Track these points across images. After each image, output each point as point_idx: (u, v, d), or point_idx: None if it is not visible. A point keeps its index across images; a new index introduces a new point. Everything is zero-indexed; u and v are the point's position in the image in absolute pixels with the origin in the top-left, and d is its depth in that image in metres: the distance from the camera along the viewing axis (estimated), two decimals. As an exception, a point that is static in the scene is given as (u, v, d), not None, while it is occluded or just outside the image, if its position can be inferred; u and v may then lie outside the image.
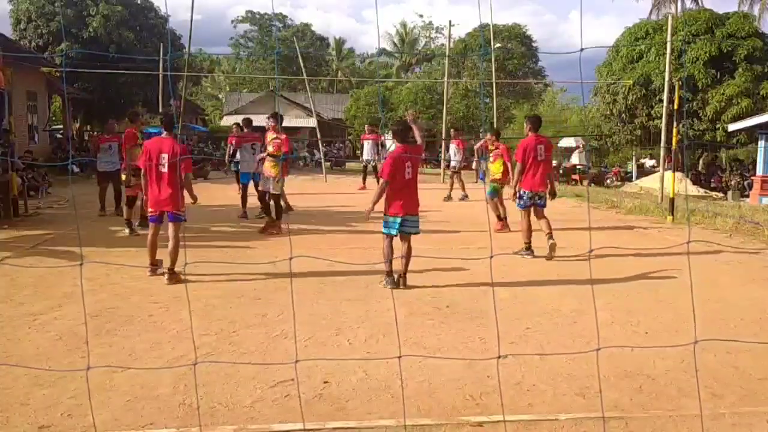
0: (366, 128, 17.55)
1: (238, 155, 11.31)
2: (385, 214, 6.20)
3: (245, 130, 11.35)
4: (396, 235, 6.18)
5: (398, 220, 6.11)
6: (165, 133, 6.58)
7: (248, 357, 4.26)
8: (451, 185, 15.35)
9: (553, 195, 8.53)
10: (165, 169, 6.34)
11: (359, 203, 11.56)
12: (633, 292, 6.21)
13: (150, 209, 6.52)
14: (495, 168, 10.13)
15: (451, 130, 16.27)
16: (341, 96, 48.71)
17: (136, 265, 7.03)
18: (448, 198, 14.75)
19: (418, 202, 6.28)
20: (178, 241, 6.37)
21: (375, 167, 16.46)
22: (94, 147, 11.73)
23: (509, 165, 9.73)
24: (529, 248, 7.84)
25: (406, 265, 6.20)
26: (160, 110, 23.31)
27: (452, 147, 16.03)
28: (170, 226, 6.39)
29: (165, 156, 6.34)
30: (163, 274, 6.39)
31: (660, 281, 6.70)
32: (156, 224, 6.52)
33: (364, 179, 17.08)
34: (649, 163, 30.10)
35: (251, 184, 10.69)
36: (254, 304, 5.58)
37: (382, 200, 6.18)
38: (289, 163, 10.81)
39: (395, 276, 6.18)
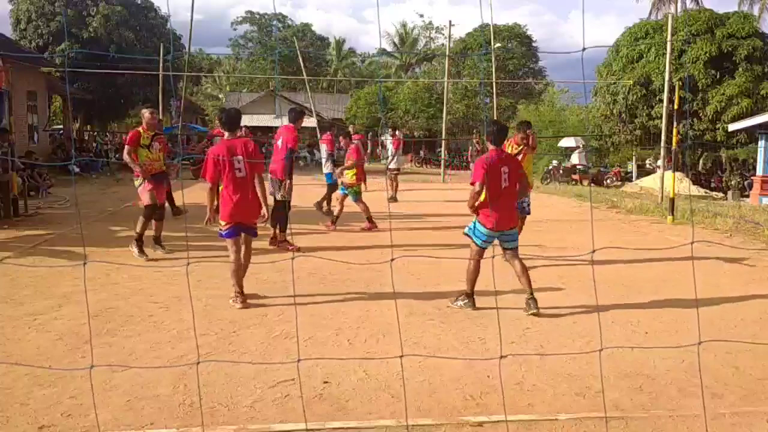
0: (350, 129, 17.54)
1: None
2: (481, 224, 5.47)
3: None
4: (485, 248, 5.49)
5: (494, 235, 5.42)
6: (228, 134, 5.68)
7: (248, 357, 4.26)
8: (395, 186, 14.83)
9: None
10: (242, 173, 5.51)
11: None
12: (633, 292, 6.21)
13: (223, 222, 5.53)
14: (349, 173, 9.62)
15: (389, 129, 15.58)
16: (341, 96, 48.72)
17: (136, 265, 7.04)
18: (393, 199, 14.11)
19: (516, 214, 5.59)
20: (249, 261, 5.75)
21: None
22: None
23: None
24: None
25: (529, 283, 5.42)
26: (160, 110, 23.35)
27: (390, 147, 15.32)
28: (247, 241, 5.67)
29: (239, 159, 5.47)
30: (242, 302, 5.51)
31: (660, 281, 6.69)
32: (236, 239, 5.58)
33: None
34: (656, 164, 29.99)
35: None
36: (254, 304, 5.58)
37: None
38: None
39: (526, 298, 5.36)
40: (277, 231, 8.18)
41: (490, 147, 5.51)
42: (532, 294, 5.40)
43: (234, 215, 5.49)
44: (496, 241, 5.54)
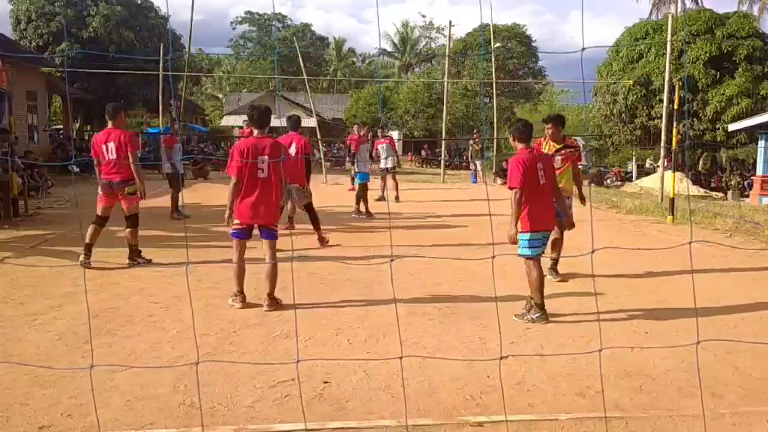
0: (355, 129, 17.52)
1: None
2: (522, 231, 5.15)
3: (361, 132, 12.32)
4: (538, 255, 5.19)
5: (538, 236, 5.19)
6: (257, 132, 5.47)
7: (248, 357, 4.26)
8: (396, 185, 14.52)
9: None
10: (264, 174, 5.31)
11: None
12: (633, 292, 6.22)
13: (236, 221, 5.42)
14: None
15: (378, 129, 14.93)
16: (341, 96, 48.79)
17: (136, 265, 7.04)
18: (396, 199, 14.02)
19: (555, 214, 5.39)
20: (276, 261, 5.47)
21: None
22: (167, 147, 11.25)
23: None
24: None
25: (542, 292, 5.28)
26: (161, 110, 23.36)
27: (385, 146, 14.65)
28: (265, 244, 5.45)
29: (264, 158, 5.29)
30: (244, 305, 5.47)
31: (660, 281, 6.69)
32: (242, 240, 5.50)
33: (353, 180, 17.45)
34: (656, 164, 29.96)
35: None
36: (254, 304, 5.57)
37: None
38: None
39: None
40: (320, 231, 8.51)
41: (520, 146, 5.25)
42: (532, 301, 5.27)
43: (247, 215, 5.36)
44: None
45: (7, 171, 10.10)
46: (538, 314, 5.16)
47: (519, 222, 5.13)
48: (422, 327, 5.03)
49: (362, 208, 11.26)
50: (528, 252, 5.17)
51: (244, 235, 5.48)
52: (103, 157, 6.79)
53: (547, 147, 6.50)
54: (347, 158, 12.76)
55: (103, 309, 5.34)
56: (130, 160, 6.75)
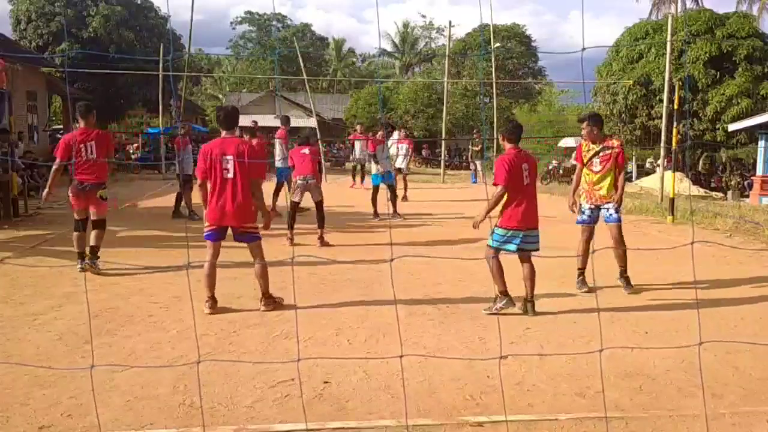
0: (358, 128, 17.54)
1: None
2: (497, 226, 5.36)
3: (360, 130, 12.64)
4: (512, 252, 5.39)
5: (519, 234, 5.31)
6: (225, 132, 5.40)
7: (248, 357, 4.26)
8: (405, 186, 14.51)
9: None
10: (230, 174, 5.21)
11: (359, 203, 11.57)
12: (633, 292, 6.21)
13: (207, 224, 5.34)
14: None
15: (396, 129, 14.79)
16: (341, 96, 48.76)
17: (136, 265, 7.04)
18: (404, 198, 13.89)
19: (537, 213, 5.48)
20: (265, 261, 5.43)
21: (363, 167, 16.96)
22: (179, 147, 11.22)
23: None
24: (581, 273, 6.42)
25: (532, 288, 5.42)
26: (160, 110, 23.38)
27: (404, 146, 14.82)
28: (249, 247, 5.42)
29: (229, 158, 5.19)
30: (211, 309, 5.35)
31: (660, 281, 6.69)
32: (215, 242, 5.39)
33: (354, 177, 17.93)
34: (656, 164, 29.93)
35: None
36: (254, 304, 5.57)
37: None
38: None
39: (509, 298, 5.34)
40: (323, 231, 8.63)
41: (508, 146, 5.42)
42: (531, 298, 5.40)
43: (216, 217, 5.26)
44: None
45: (7, 171, 10.10)
46: (504, 302, 5.30)
47: (502, 216, 5.35)
48: (422, 327, 5.03)
49: (380, 210, 11.09)
50: (494, 244, 5.37)
51: (215, 236, 5.36)
52: (79, 157, 6.48)
53: (586, 148, 6.31)
54: (353, 157, 12.64)
55: (103, 309, 5.34)
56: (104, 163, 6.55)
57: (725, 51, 21.93)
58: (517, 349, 4.51)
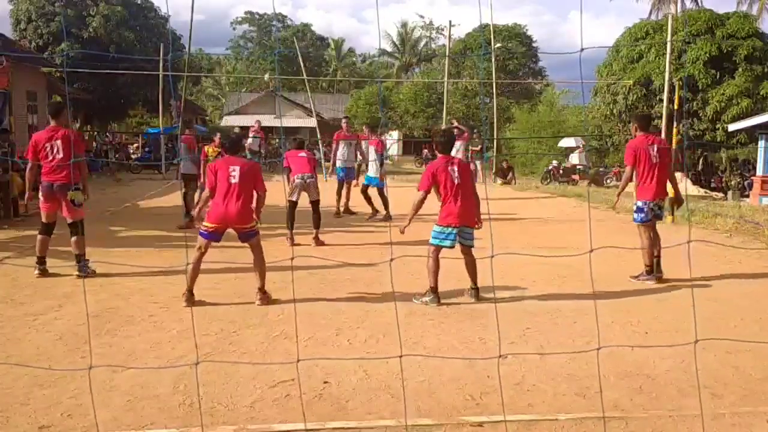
0: (365, 129, 17.42)
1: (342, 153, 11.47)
2: (437, 224, 5.75)
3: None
4: (449, 247, 5.72)
5: (454, 231, 5.67)
6: (229, 154, 5.86)
7: (248, 357, 4.26)
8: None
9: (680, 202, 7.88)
10: (236, 180, 5.49)
11: (359, 203, 11.56)
12: (633, 292, 6.22)
13: (206, 224, 5.52)
14: None
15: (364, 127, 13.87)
16: (341, 96, 48.75)
17: (136, 265, 7.04)
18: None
19: (473, 211, 5.79)
20: (263, 256, 5.66)
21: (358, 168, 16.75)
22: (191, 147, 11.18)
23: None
24: (651, 271, 6.76)
25: (475, 276, 5.84)
26: (160, 110, 23.38)
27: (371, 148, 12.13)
28: (251, 243, 5.66)
29: (237, 168, 5.55)
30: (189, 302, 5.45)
31: (660, 281, 6.69)
32: (208, 242, 5.56)
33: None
34: None
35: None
36: (254, 304, 5.58)
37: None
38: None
39: (436, 293, 5.71)
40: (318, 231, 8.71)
41: (439, 155, 5.88)
42: (475, 286, 5.83)
43: (218, 219, 5.48)
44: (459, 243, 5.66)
45: (7, 171, 10.10)
46: (430, 297, 5.69)
47: (439, 217, 5.74)
48: (422, 327, 5.03)
49: (382, 210, 10.98)
50: (434, 242, 5.74)
51: (211, 236, 5.54)
52: (44, 157, 6.29)
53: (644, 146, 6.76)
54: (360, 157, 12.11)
55: (103, 309, 5.34)
56: (71, 161, 6.26)
57: (725, 51, 21.95)
58: (517, 349, 4.50)
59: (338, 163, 11.40)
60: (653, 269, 6.70)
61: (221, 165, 5.65)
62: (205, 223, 5.57)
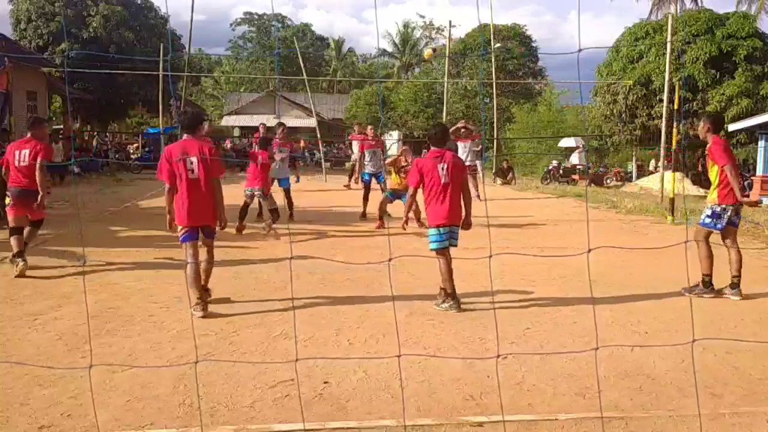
0: (356, 128, 17.43)
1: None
2: (430, 227, 5.57)
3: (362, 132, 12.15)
4: (451, 246, 5.53)
5: (446, 230, 5.50)
6: (186, 135, 5.43)
7: (248, 357, 4.26)
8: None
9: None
10: (194, 175, 5.23)
11: (359, 203, 11.56)
12: (633, 292, 6.21)
13: (180, 226, 5.33)
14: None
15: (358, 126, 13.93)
16: (341, 96, 48.75)
17: (136, 266, 7.04)
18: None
19: (460, 211, 5.61)
20: (213, 259, 5.53)
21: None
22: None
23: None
24: (709, 283, 6.17)
25: (451, 280, 5.53)
26: (160, 110, 23.38)
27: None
28: (207, 243, 5.46)
29: (193, 160, 5.22)
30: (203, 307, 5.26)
31: (660, 281, 6.69)
32: (194, 243, 5.35)
33: (350, 177, 17.70)
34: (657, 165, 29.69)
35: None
36: (254, 304, 5.58)
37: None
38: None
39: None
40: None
41: (432, 149, 5.69)
42: (444, 291, 5.51)
43: (189, 218, 5.25)
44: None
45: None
46: (450, 303, 5.45)
47: (428, 217, 5.59)
48: (422, 327, 5.03)
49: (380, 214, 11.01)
50: (436, 246, 5.53)
51: (191, 237, 5.33)
52: (12, 164, 6.60)
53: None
54: (359, 158, 12.13)
55: (103, 309, 5.33)
56: (37, 167, 6.44)
57: (725, 51, 21.94)
58: (517, 349, 4.51)
59: (366, 168, 11.36)
60: (711, 281, 6.14)
61: (177, 153, 5.23)
62: (177, 227, 5.34)
